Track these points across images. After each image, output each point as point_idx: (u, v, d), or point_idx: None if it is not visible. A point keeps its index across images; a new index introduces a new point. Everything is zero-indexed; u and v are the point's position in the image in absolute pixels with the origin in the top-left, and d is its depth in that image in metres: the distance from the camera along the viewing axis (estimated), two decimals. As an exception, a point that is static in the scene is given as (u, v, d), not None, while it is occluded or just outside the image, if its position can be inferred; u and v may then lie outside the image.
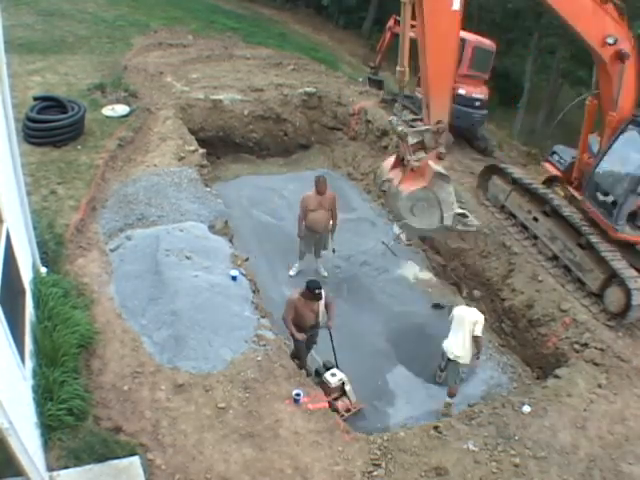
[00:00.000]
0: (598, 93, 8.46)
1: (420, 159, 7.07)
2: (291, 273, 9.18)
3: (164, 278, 6.96)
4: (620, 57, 7.69)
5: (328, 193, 8.66)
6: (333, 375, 6.92)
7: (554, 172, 9.64)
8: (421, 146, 7.13)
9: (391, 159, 7.79)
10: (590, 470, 5.91)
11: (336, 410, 6.61)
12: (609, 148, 8.27)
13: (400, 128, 7.12)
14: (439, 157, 7.10)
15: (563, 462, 5.92)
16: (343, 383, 6.96)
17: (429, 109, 6.98)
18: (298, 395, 5.93)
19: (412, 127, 7.47)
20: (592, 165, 8.59)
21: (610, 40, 7.52)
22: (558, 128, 17.59)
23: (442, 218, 7.32)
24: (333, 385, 6.85)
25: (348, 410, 6.89)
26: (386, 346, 8.22)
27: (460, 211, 7.45)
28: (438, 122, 6.94)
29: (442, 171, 7.13)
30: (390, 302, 9.03)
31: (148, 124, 10.68)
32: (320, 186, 8.52)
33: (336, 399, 6.88)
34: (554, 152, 9.81)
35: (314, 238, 8.91)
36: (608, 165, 8.35)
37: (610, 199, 8.22)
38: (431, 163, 7.07)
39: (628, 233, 8.24)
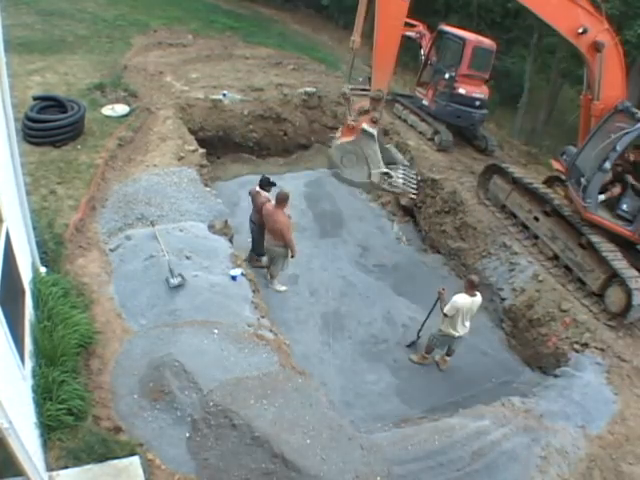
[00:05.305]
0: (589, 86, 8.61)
1: (357, 120, 7.88)
2: None
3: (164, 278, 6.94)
4: (596, 47, 7.94)
5: None
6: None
7: (561, 169, 9.65)
8: (364, 111, 7.94)
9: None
10: (590, 470, 5.91)
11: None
12: (592, 135, 8.38)
13: (344, 90, 8.15)
14: (373, 120, 7.79)
15: (563, 462, 5.92)
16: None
17: (373, 78, 7.77)
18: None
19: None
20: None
21: (580, 30, 7.85)
22: (558, 127, 17.63)
23: (369, 174, 8.03)
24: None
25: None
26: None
27: (385, 170, 8.07)
28: (378, 90, 7.65)
29: (370, 130, 7.77)
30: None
31: (148, 124, 10.66)
32: None
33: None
34: (564, 152, 9.86)
35: None
36: (589, 151, 8.42)
37: (585, 181, 8.34)
38: (364, 124, 7.77)
39: (600, 215, 8.30)
